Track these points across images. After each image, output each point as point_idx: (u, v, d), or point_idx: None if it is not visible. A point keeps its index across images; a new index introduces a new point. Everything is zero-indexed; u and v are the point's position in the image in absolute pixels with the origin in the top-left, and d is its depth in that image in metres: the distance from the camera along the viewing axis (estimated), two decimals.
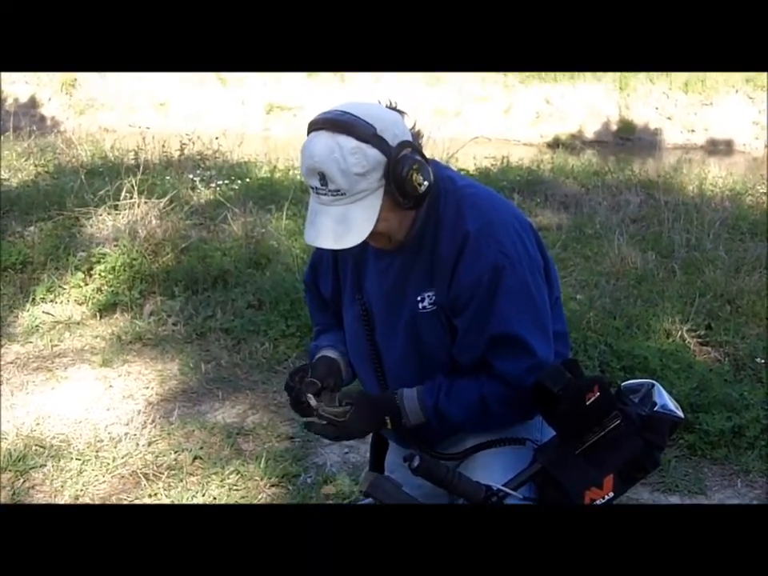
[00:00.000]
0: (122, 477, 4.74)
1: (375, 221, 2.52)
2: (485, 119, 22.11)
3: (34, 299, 7.15)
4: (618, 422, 2.50)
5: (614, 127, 23.22)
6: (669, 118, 23.12)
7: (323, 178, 2.47)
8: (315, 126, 2.52)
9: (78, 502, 4.48)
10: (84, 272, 7.44)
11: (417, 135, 2.63)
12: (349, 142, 2.45)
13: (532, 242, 2.73)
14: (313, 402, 2.71)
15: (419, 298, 2.71)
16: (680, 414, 2.59)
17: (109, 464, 4.83)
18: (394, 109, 2.61)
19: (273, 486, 4.69)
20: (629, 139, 22.95)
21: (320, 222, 2.53)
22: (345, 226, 2.51)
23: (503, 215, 2.71)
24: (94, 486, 4.64)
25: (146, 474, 4.75)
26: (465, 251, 2.62)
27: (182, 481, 4.68)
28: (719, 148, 22.46)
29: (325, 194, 2.50)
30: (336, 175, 2.45)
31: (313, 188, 2.53)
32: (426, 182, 2.54)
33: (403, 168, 2.48)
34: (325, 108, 2.57)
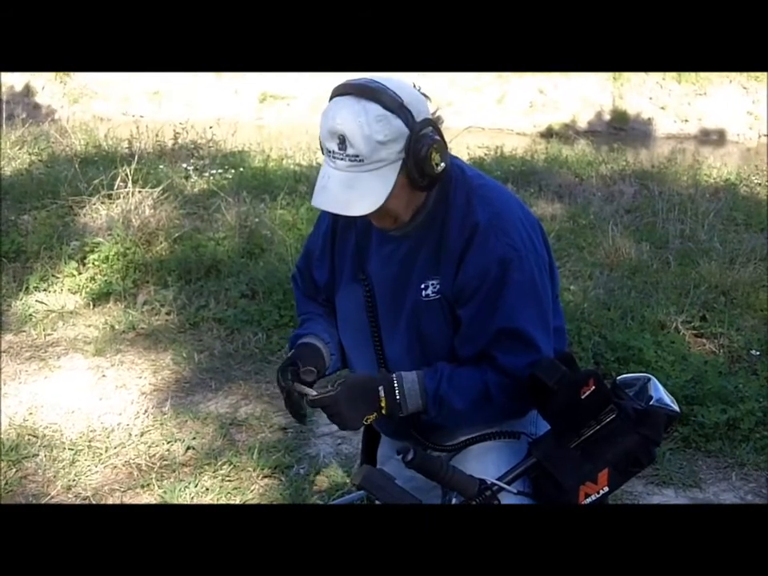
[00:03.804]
0: (115, 467, 4.72)
1: (389, 193, 2.49)
2: (478, 109, 22.13)
3: (27, 288, 7.13)
4: (614, 416, 2.49)
5: (608, 117, 23.28)
6: (662, 108, 23.18)
7: (342, 141, 2.44)
8: (341, 90, 2.50)
9: (71, 493, 4.46)
10: (77, 261, 7.43)
11: (437, 120, 2.61)
12: (375, 109, 2.43)
13: (538, 238, 2.73)
14: (304, 390, 2.69)
15: (423, 286, 2.70)
16: (675, 408, 2.59)
17: (101, 454, 4.81)
18: (419, 91, 2.59)
19: (265, 477, 4.67)
20: (622, 129, 23.00)
21: (332, 186, 2.50)
22: (357, 193, 2.48)
23: (512, 209, 2.71)
24: (87, 476, 4.62)
25: (139, 464, 4.73)
26: (473, 242, 2.61)
27: (174, 471, 4.67)
28: (712, 138, 22.51)
29: (341, 159, 2.47)
30: (358, 139, 2.42)
31: (329, 152, 2.49)
32: (442, 164, 2.53)
33: (424, 145, 2.47)
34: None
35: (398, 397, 2.67)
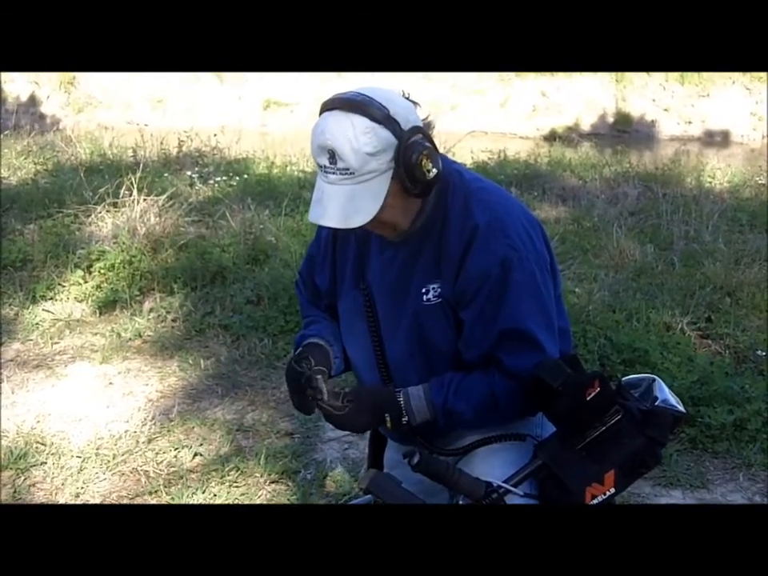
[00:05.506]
0: (123, 474, 4.73)
1: (382, 202, 2.52)
2: (481, 113, 22.10)
3: (34, 297, 7.15)
4: (619, 417, 2.49)
5: (611, 119, 23.20)
6: (666, 110, 23.10)
7: (333, 156, 2.47)
8: (329, 105, 2.53)
9: (79, 501, 4.47)
10: (84, 269, 7.45)
11: (428, 126, 2.63)
12: (362, 122, 2.46)
13: (539, 238, 2.73)
14: (321, 386, 2.69)
15: (424, 290, 2.71)
16: (681, 408, 2.58)
17: (109, 461, 4.82)
18: (408, 98, 2.62)
19: (272, 482, 4.68)
20: (626, 131, 22.92)
21: (326, 200, 2.53)
22: (351, 206, 2.51)
23: (511, 210, 2.72)
24: (95, 484, 4.63)
25: (147, 471, 4.75)
26: (473, 244, 2.62)
27: (182, 478, 4.67)
28: (716, 139, 22.44)
29: (333, 173, 2.50)
30: (347, 153, 2.45)
31: (321, 167, 2.53)
32: (434, 170, 2.55)
33: (413, 153, 2.49)
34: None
35: (404, 419, 2.72)
